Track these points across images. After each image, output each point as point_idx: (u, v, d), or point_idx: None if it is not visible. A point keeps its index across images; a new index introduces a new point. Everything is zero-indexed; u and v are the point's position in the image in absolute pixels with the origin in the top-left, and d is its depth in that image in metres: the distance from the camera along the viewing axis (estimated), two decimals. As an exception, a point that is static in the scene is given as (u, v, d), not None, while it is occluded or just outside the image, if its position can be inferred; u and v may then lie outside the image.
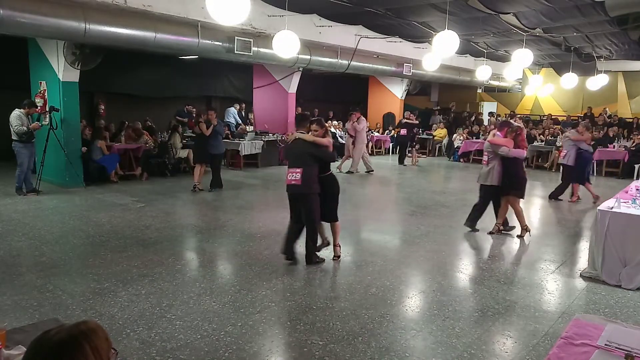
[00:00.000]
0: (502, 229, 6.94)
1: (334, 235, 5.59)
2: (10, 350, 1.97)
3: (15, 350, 1.96)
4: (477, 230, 6.96)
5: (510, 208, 6.77)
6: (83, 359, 1.32)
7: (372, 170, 12.40)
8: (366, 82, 18.36)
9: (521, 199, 6.80)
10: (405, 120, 14.27)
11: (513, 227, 6.97)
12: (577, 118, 17.71)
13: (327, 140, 5.37)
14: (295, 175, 5.19)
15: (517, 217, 6.77)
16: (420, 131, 16.35)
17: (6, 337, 2.04)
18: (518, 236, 6.78)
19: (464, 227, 7.04)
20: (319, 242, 5.56)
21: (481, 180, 6.82)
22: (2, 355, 1.92)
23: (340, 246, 5.60)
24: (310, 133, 5.36)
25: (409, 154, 14.29)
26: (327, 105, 17.98)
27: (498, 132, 6.85)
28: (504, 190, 6.67)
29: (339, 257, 5.54)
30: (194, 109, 13.06)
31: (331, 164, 5.49)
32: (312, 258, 5.38)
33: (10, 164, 10.55)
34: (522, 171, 6.76)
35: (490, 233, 6.86)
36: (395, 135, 15.79)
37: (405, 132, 14.03)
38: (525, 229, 6.75)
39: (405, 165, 14.06)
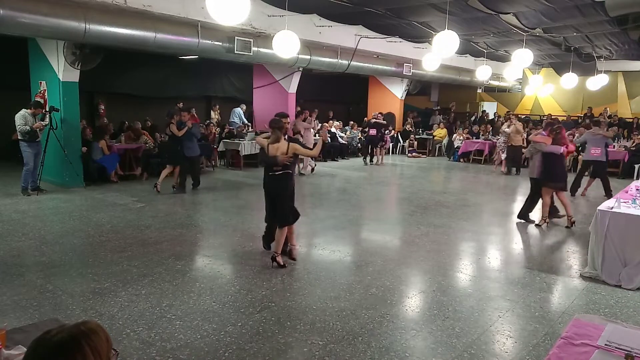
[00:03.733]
0: (548, 219, 7.39)
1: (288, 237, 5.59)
2: (10, 350, 1.97)
3: (15, 350, 1.96)
4: (532, 222, 7.52)
5: (555, 198, 7.43)
6: (83, 360, 1.31)
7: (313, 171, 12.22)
8: (366, 82, 18.35)
9: (563, 191, 7.37)
10: (374, 120, 14.19)
11: (560, 216, 7.52)
12: (577, 118, 17.74)
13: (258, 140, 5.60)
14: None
15: (542, 206, 7.41)
16: (390, 131, 16.18)
17: (6, 337, 2.04)
18: (536, 225, 7.38)
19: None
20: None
21: (529, 174, 7.72)
22: (2, 355, 1.92)
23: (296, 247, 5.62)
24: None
25: (376, 154, 14.21)
26: (327, 105, 17.98)
27: (543, 132, 7.70)
28: (542, 181, 7.27)
29: (289, 260, 5.49)
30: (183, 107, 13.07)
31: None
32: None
33: (10, 164, 10.57)
34: (560, 166, 7.27)
35: (538, 225, 7.37)
36: (365, 135, 15.49)
37: (375, 132, 13.96)
38: (544, 219, 7.33)
39: (370, 164, 14.00)
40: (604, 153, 9.56)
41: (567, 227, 7.25)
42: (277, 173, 5.29)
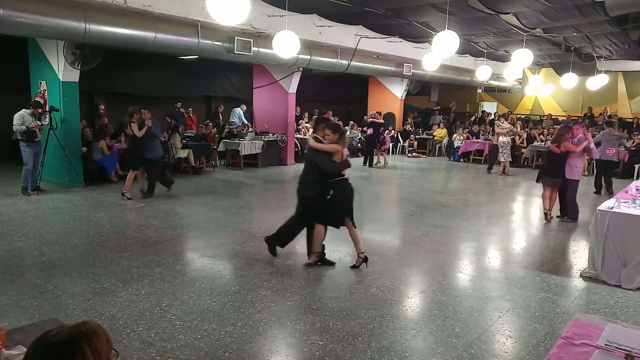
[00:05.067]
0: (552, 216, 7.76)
1: (354, 243, 5.36)
2: (10, 350, 1.97)
3: (15, 350, 1.96)
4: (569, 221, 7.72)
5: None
6: (83, 360, 1.31)
7: None
8: (366, 82, 18.35)
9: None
10: (371, 119, 14.11)
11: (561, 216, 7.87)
12: (577, 118, 17.73)
13: (333, 147, 5.05)
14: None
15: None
16: (390, 131, 16.16)
17: (6, 337, 2.04)
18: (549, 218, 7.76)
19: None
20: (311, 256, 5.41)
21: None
22: (2, 355, 1.92)
23: (361, 256, 5.28)
24: (324, 138, 5.14)
25: (376, 154, 13.89)
26: (327, 105, 17.97)
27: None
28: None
29: (357, 266, 5.28)
30: (183, 108, 13.10)
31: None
32: (273, 246, 5.54)
33: (10, 164, 10.57)
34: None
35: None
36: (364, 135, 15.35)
37: (372, 131, 13.76)
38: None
39: (373, 166, 13.60)
40: (617, 153, 10.12)
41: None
42: (345, 176, 5.27)
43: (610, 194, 9.73)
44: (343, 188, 5.23)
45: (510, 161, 13.06)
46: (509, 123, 13.60)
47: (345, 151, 5.25)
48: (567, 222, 7.62)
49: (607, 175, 10.13)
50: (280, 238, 5.58)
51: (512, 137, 13.56)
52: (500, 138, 12.95)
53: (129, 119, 8.34)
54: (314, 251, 5.33)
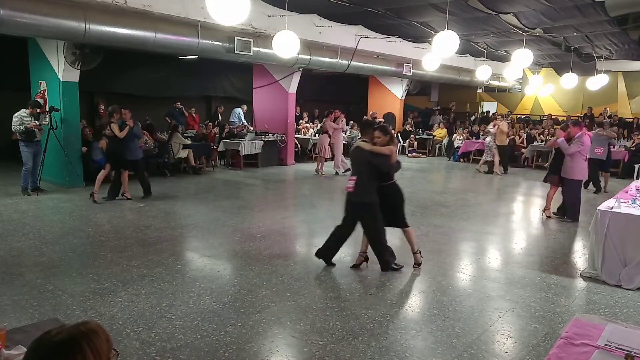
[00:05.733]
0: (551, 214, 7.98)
1: (409, 243, 5.38)
2: (10, 350, 1.97)
3: (15, 350, 1.96)
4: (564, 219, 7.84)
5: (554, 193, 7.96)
6: (83, 361, 1.31)
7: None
8: (366, 82, 18.35)
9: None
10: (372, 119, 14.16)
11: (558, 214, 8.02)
12: (577, 118, 17.73)
13: (388, 149, 5.10)
14: (350, 182, 5.12)
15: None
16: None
17: (6, 337, 2.04)
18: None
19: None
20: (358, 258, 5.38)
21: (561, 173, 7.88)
22: (2, 355, 1.92)
23: (419, 253, 5.37)
24: (374, 140, 5.11)
25: None
26: (327, 105, 17.93)
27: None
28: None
29: (419, 264, 5.35)
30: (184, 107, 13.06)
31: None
32: (387, 265, 5.21)
33: (10, 164, 10.57)
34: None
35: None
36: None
37: None
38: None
39: None
40: (606, 152, 10.27)
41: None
42: (395, 179, 5.28)
43: (597, 190, 10.24)
44: (398, 189, 5.29)
45: (489, 161, 13.05)
46: (492, 124, 13.63)
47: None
48: (566, 222, 7.62)
49: (595, 173, 10.34)
50: (330, 249, 5.39)
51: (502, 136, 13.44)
52: (488, 138, 13.06)
53: (108, 119, 8.07)
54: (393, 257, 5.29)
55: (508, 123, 14.37)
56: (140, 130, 8.82)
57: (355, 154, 5.23)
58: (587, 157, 7.68)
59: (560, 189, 7.82)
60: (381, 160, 5.07)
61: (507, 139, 13.29)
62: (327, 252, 5.37)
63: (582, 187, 8.08)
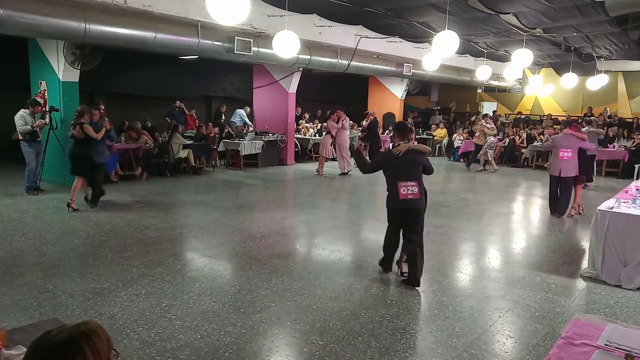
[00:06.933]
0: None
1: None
2: (10, 350, 1.97)
3: (15, 350, 1.96)
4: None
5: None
6: (83, 361, 1.32)
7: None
8: (366, 82, 18.35)
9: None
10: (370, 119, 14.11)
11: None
12: (577, 118, 17.73)
13: (429, 149, 5.14)
14: (412, 189, 4.86)
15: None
16: (390, 131, 16.09)
17: (6, 337, 2.04)
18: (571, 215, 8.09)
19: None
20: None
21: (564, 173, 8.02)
22: (2, 355, 1.92)
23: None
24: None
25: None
26: (327, 105, 17.97)
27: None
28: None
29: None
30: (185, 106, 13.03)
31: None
32: (389, 266, 5.19)
33: (10, 164, 10.58)
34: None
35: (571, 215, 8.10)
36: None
37: (368, 132, 13.60)
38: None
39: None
40: (597, 148, 10.40)
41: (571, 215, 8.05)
42: None
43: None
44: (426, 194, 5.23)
45: (477, 159, 13.65)
46: (479, 125, 13.92)
47: None
48: (566, 222, 7.64)
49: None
50: (389, 256, 5.28)
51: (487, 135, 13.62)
52: (490, 139, 13.53)
53: (77, 119, 7.39)
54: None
55: (492, 121, 14.55)
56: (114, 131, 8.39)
57: (412, 157, 4.96)
58: (562, 154, 7.74)
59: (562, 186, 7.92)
60: (428, 161, 5.15)
61: (487, 138, 13.52)
62: (390, 260, 5.22)
63: (558, 183, 7.92)
